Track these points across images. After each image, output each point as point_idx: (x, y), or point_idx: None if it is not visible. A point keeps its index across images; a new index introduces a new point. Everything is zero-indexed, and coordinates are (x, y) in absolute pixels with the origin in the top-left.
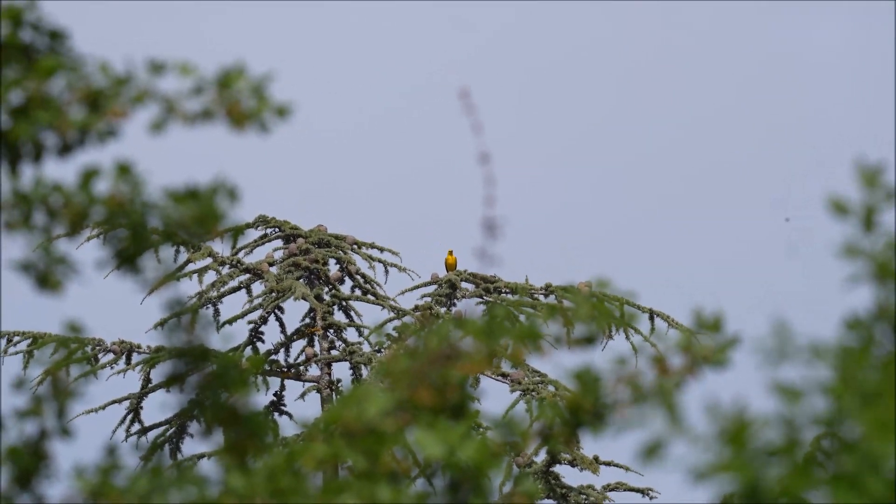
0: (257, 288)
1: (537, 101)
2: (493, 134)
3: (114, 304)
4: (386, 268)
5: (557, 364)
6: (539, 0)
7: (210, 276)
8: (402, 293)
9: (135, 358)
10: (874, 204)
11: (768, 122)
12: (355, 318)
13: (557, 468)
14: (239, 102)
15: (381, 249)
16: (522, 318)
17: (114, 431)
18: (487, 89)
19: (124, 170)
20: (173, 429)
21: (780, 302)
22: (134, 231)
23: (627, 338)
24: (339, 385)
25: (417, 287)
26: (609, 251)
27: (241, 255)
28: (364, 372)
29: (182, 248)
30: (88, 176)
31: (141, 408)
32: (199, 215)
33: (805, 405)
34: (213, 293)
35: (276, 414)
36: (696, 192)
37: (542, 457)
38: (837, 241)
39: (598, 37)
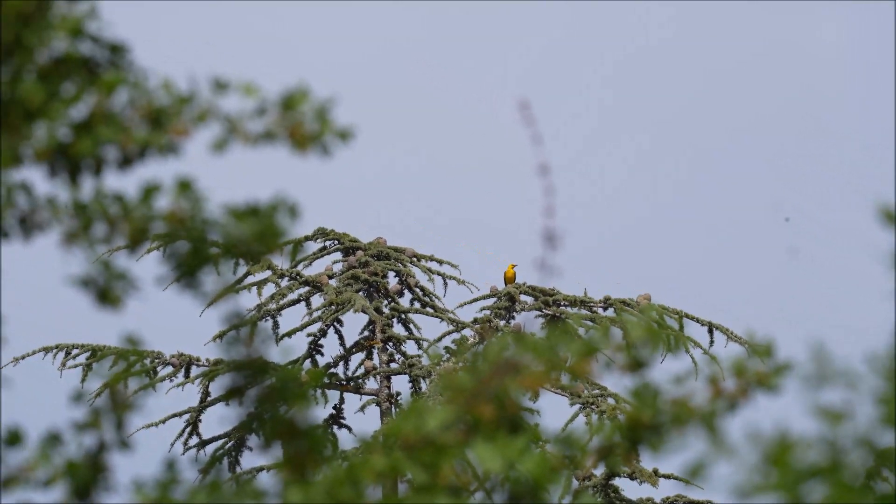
0: (316, 300)
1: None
2: (556, 144)
3: (173, 316)
4: (445, 280)
5: (617, 376)
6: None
7: (269, 289)
8: (461, 306)
9: (193, 371)
10: None
11: (768, 122)
12: (414, 330)
13: (617, 481)
14: (302, 125)
15: (440, 262)
16: (581, 330)
17: (172, 444)
18: (548, 99)
19: (185, 186)
20: (232, 442)
21: (818, 321)
22: (194, 246)
23: (687, 351)
24: (399, 398)
25: (476, 300)
26: (667, 264)
27: (300, 267)
28: (423, 385)
29: (241, 261)
30: (149, 191)
31: (200, 421)
32: (259, 232)
33: (848, 426)
34: (273, 306)
35: (335, 427)
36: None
37: (601, 470)
38: (886, 250)
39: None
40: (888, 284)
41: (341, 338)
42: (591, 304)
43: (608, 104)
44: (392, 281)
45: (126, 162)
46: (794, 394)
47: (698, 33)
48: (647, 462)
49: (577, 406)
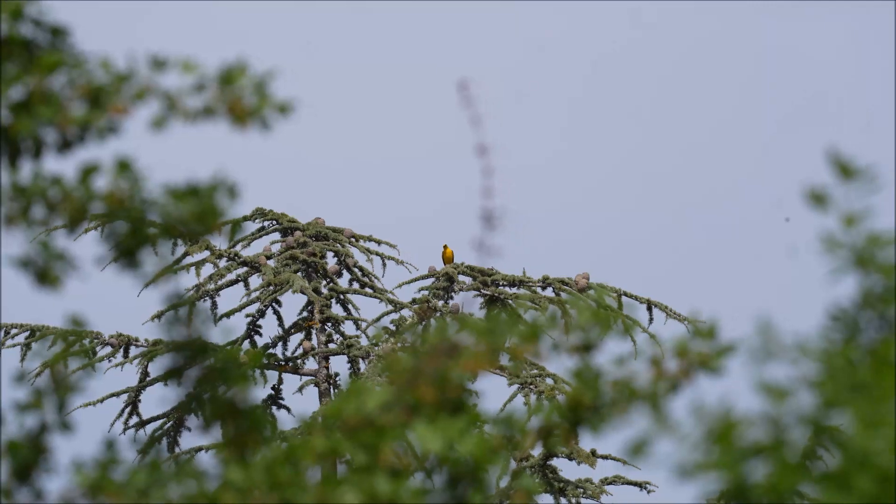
0: (255, 281)
1: (540, 94)
2: (494, 123)
3: (111, 296)
4: (383, 261)
5: (556, 357)
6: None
7: (207, 269)
8: (400, 286)
9: (133, 351)
10: (852, 195)
11: (768, 121)
12: (353, 311)
13: (554, 462)
14: (240, 99)
15: (379, 242)
16: (522, 312)
17: (112, 425)
18: (487, 79)
19: (124, 166)
20: (171, 422)
21: (766, 298)
22: (133, 226)
23: (626, 331)
24: (337, 379)
25: (415, 280)
26: (606, 244)
27: (238, 248)
28: (362, 365)
29: (179, 241)
30: (88, 172)
31: (139, 401)
32: (199, 212)
33: (791, 404)
34: (211, 286)
35: (274, 408)
36: (694, 191)
37: (538, 450)
38: (818, 234)
39: (598, 37)
40: (824, 268)
41: (280, 318)
42: (530, 283)
43: (596, 97)
44: (331, 261)
45: (66, 145)
46: (740, 370)
47: (697, 32)
48: (585, 443)
49: (516, 386)
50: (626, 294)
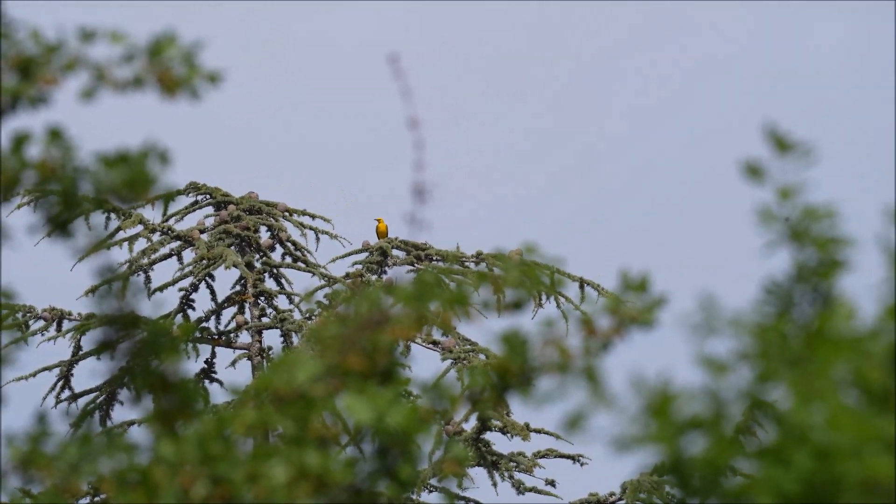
0: (188, 255)
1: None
2: (428, 97)
3: (44, 270)
4: (317, 235)
5: (488, 332)
6: None
7: (141, 244)
8: (334, 261)
9: (65, 325)
10: (788, 169)
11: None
12: (286, 285)
13: (488, 436)
14: (170, 70)
15: (313, 216)
16: (452, 284)
17: (44, 398)
18: (422, 55)
19: (56, 135)
20: (103, 396)
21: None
22: (65, 196)
23: (558, 306)
24: (270, 352)
25: (349, 254)
26: (542, 221)
27: (171, 221)
28: (295, 339)
29: (113, 216)
30: (20, 141)
31: (71, 375)
32: (130, 180)
33: (731, 378)
34: (144, 260)
35: (206, 381)
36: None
37: (472, 424)
38: (754, 207)
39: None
40: (759, 241)
41: (213, 292)
42: (464, 258)
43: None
44: (264, 235)
45: None
46: (680, 344)
47: (696, 32)
48: (519, 416)
49: (449, 361)
50: (558, 272)
